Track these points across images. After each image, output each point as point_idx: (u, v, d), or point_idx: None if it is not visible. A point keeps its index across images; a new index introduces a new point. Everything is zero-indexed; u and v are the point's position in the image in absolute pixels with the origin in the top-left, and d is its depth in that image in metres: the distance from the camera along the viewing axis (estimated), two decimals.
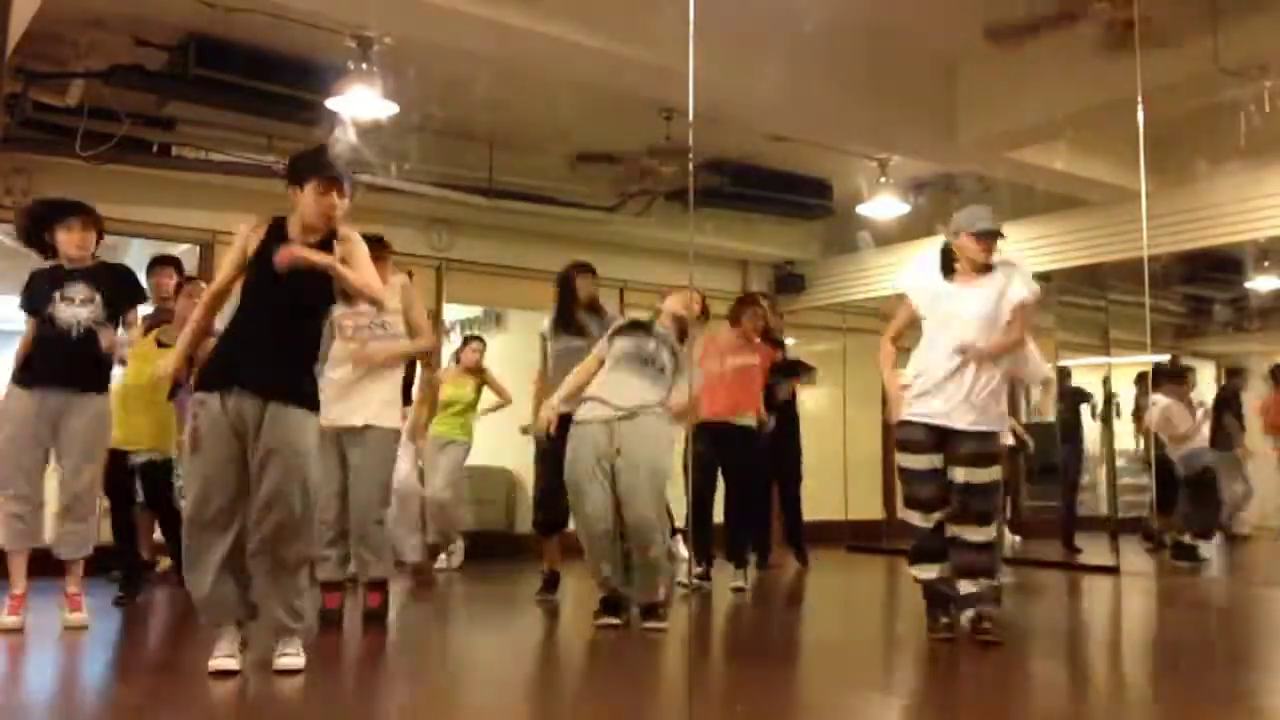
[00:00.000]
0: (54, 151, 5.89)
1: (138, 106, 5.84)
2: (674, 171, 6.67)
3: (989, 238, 4.01)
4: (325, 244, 3.52)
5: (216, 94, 5.52)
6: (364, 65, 5.14)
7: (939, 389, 3.91)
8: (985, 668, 3.83)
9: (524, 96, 6.09)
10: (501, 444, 6.97)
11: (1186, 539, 7.37)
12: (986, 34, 4.98)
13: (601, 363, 4.44)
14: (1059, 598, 6.05)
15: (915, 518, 4.01)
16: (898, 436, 4.09)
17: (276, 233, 3.52)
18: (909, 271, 8.17)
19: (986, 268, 4.03)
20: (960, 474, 3.88)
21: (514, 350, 8.37)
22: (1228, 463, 7.87)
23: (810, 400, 6.73)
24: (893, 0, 5.06)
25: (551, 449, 4.60)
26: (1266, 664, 4.19)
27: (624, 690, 3.53)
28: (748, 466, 5.66)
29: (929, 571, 4.03)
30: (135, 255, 8.47)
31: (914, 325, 4.17)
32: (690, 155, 6.12)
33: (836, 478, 8.69)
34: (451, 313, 8.33)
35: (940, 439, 3.92)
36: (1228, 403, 8.31)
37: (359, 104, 5.31)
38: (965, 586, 3.91)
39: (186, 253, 7.14)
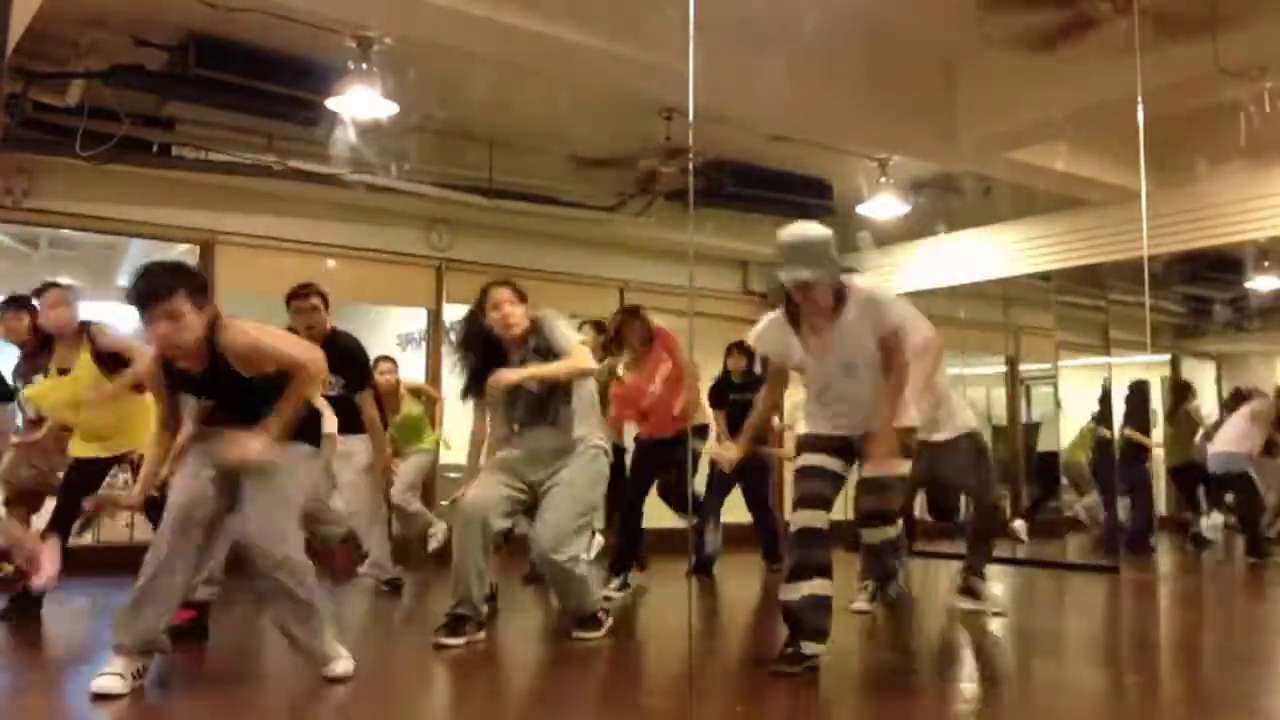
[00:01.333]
0: (54, 151, 5.89)
1: (138, 106, 5.84)
2: (674, 171, 6.67)
3: (802, 289, 3.42)
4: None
5: (216, 94, 5.52)
6: (364, 65, 5.14)
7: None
8: (985, 667, 3.84)
9: (524, 96, 6.10)
10: None
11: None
12: (1009, 42, 4.96)
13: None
14: (1059, 598, 6.06)
15: None
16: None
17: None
18: (907, 272, 8.23)
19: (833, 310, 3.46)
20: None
21: None
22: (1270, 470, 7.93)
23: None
24: (893, 0, 5.06)
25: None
26: (1267, 664, 4.19)
27: (624, 690, 3.53)
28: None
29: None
30: (135, 255, 8.49)
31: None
32: (690, 155, 6.12)
33: None
34: (452, 313, 8.33)
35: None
36: None
37: (359, 104, 5.31)
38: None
39: (186, 253, 7.15)
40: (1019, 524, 8.01)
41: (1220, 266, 8.21)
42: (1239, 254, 7.59)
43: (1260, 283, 8.55)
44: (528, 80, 5.67)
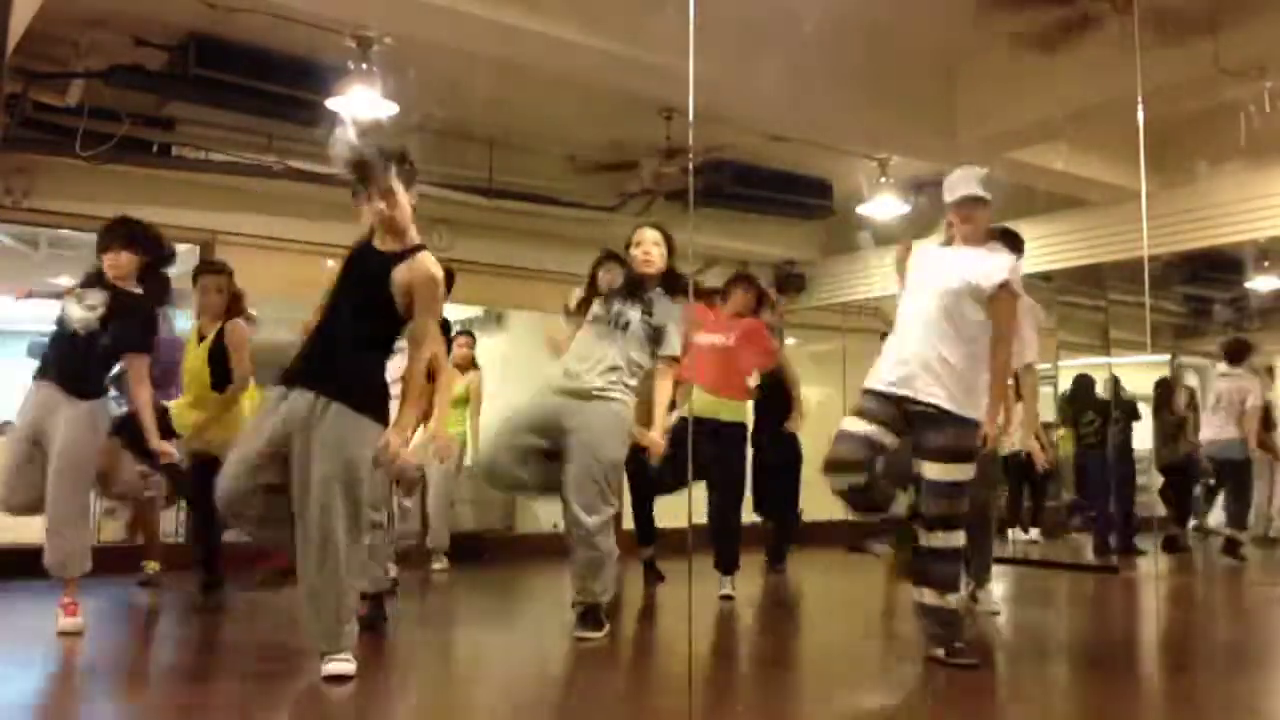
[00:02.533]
0: (54, 151, 5.89)
1: (138, 106, 5.84)
2: (674, 171, 6.66)
3: (966, 205, 3.64)
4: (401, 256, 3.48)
5: (216, 94, 5.52)
6: (364, 65, 5.14)
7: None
8: (985, 669, 3.83)
9: (524, 96, 6.09)
10: None
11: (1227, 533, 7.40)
12: (1010, 41, 4.96)
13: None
14: (1059, 599, 6.06)
15: None
16: None
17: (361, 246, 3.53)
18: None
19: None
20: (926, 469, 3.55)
21: (514, 350, 8.38)
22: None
23: (811, 400, 6.72)
24: (893, 0, 5.05)
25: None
26: (1267, 665, 4.19)
27: (624, 691, 3.53)
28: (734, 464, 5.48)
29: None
30: None
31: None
32: (690, 155, 6.12)
33: None
34: (452, 312, 8.32)
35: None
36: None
37: (359, 104, 5.31)
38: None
39: (187, 253, 7.14)
40: (1033, 530, 8.06)
41: (1220, 266, 8.20)
42: (1239, 254, 7.59)
43: (1260, 283, 8.55)
44: (528, 80, 5.66)
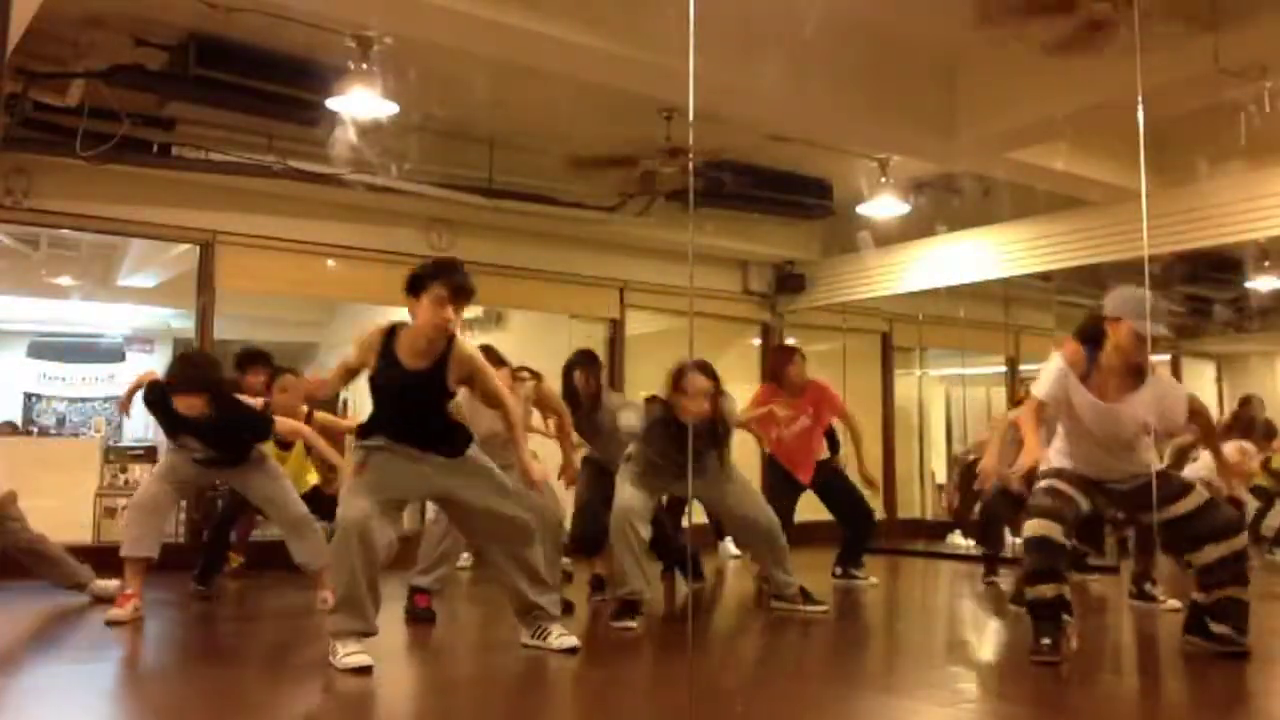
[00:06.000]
0: (54, 151, 5.89)
1: (138, 106, 5.84)
2: (674, 171, 6.66)
3: (1139, 340, 3.74)
4: (442, 357, 3.66)
5: (216, 94, 5.51)
6: (364, 65, 5.14)
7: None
8: (985, 666, 3.84)
9: (524, 96, 6.09)
10: None
11: None
12: (980, 18, 4.94)
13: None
14: None
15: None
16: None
17: (388, 346, 3.66)
18: (908, 272, 8.21)
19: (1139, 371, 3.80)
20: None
21: (514, 350, 8.37)
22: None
23: None
24: (893, 0, 5.05)
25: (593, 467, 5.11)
26: (1267, 666, 4.18)
27: (624, 691, 3.53)
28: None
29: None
30: (136, 255, 8.50)
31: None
32: (690, 155, 6.11)
33: None
34: None
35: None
36: None
37: (359, 104, 5.31)
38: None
39: (187, 253, 7.15)
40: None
41: (1220, 266, 8.20)
42: (1239, 254, 7.58)
43: (1260, 283, 8.54)
44: (528, 80, 5.66)
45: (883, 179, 7.05)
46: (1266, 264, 8.10)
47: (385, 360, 3.62)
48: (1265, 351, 9.86)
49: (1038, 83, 5.40)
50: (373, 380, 3.68)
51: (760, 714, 3.07)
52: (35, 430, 10.59)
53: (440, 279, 3.58)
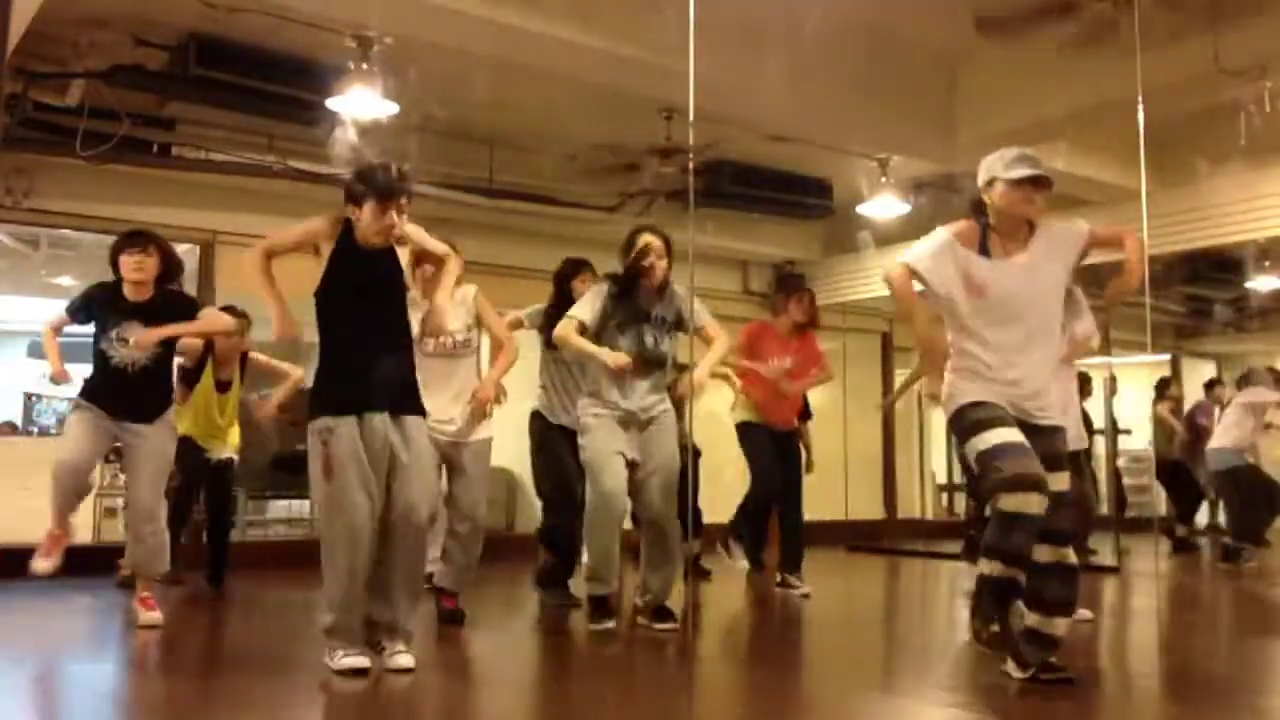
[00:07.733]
0: (54, 151, 5.89)
1: (138, 106, 5.84)
2: (674, 171, 6.66)
3: (1031, 186, 3.39)
4: (392, 254, 3.70)
5: (216, 94, 5.52)
6: (364, 65, 5.14)
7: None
8: (985, 666, 3.83)
9: (524, 96, 6.09)
10: (501, 443, 6.95)
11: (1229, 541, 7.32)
12: (978, 26, 4.97)
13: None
14: None
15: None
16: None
17: (347, 238, 3.66)
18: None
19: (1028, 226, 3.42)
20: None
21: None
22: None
23: (811, 399, 6.71)
24: (892, 0, 5.06)
25: (551, 453, 4.90)
26: (1267, 665, 4.19)
27: (624, 691, 3.53)
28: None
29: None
30: None
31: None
32: (690, 155, 6.12)
33: (837, 478, 8.68)
34: None
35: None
36: None
37: (359, 104, 5.31)
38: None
39: (187, 253, 7.14)
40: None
41: (1220, 266, 8.20)
42: (1239, 254, 7.58)
43: (1260, 283, 8.55)
44: (528, 80, 5.66)
45: (883, 179, 7.05)
46: (1266, 264, 8.11)
47: (343, 245, 3.63)
48: (1265, 351, 9.86)
49: (1038, 83, 5.40)
50: (326, 278, 3.67)
51: (760, 714, 3.07)
52: (35, 430, 10.57)
53: (370, 189, 3.58)
